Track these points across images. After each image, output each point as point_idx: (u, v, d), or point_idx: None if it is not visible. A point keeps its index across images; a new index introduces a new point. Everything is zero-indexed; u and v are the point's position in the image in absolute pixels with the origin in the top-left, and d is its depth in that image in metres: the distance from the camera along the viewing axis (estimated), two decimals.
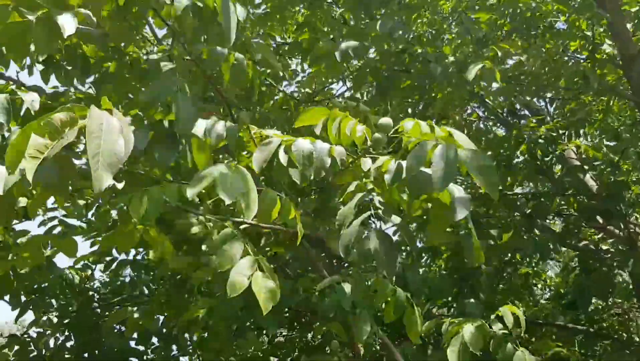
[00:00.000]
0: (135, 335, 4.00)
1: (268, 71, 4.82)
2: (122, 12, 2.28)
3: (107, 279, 4.57)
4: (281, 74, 4.83)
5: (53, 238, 2.93)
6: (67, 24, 1.82)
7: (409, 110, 5.57)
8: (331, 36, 4.96)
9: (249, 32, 5.17)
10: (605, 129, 4.81)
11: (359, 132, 2.25)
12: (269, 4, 5.34)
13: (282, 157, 2.18)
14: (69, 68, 2.51)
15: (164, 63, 2.29)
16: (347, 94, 6.14)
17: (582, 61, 4.29)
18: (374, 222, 2.26)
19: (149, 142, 2.06)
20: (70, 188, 2.59)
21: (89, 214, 3.76)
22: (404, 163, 2.06)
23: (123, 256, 4.13)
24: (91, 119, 1.48)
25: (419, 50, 4.32)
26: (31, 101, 2.07)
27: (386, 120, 2.40)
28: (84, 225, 3.80)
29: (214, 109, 2.98)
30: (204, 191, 2.28)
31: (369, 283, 2.63)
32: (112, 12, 2.24)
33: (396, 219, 2.27)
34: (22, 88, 2.83)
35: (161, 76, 2.25)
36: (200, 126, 2.20)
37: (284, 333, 4.64)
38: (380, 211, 2.16)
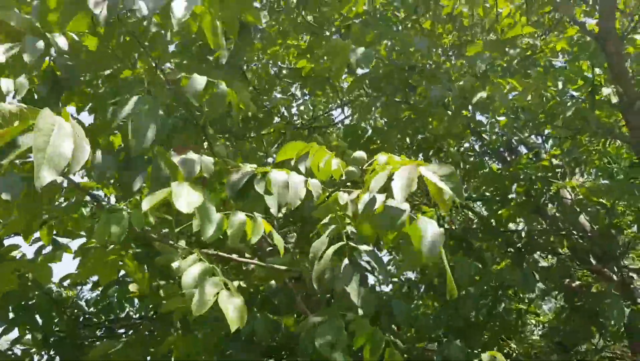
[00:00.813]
0: None
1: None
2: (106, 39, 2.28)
3: (95, 298, 4.53)
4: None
5: (25, 263, 2.90)
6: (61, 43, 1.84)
7: (407, 140, 5.59)
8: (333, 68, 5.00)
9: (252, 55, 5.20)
10: (602, 169, 4.79)
11: (334, 166, 2.28)
12: (273, 29, 5.38)
13: (258, 186, 2.19)
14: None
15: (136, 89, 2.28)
16: (347, 121, 6.20)
17: (581, 101, 4.29)
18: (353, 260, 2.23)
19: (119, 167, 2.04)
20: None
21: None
22: (379, 197, 2.07)
23: None
24: (42, 118, 1.47)
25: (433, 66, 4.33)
26: None
27: (359, 153, 2.42)
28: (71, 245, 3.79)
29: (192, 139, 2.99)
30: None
31: (348, 322, 2.60)
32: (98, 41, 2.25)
33: (367, 248, 2.25)
34: None
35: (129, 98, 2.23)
36: (175, 158, 2.21)
37: None
38: (352, 243, 2.14)
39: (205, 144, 2.94)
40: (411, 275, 5.77)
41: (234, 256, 2.63)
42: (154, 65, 2.41)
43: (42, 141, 1.43)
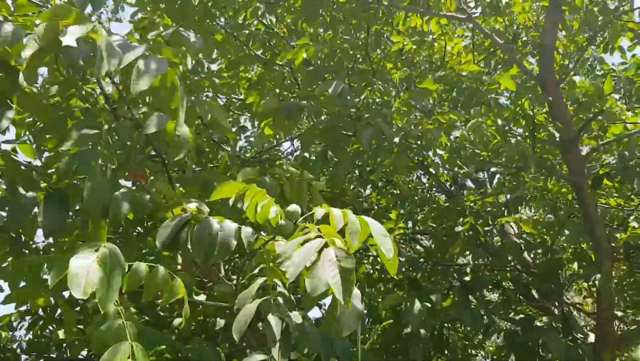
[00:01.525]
0: None
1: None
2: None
3: (32, 339, 4.34)
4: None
5: None
6: None
7: (356, 171, 5.63)
8: (280, 98, 5.02)
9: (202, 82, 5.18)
10: (545, 204, 4.92)
11: (272, 213, 2.22)
12: (225, 61, 5.37)
13: (184, 236, 2.13)
14: None
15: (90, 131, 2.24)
16: (296, 153, 6.20)
17: (522, 138, 4.40)
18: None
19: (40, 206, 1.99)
20: None
21: None
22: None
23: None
24: None
25: (367, 115, 4.38)
26: None
27: (294, 207, 2.37)
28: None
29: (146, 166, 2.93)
30: None
31: None
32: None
33: (297, 315, 2.21)
34: None
35: (83, 146, 2.19)
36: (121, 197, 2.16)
37: None
38: (280, 299, 2.11)
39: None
40: None
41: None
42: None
43: None
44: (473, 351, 5.45)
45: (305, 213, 2.27)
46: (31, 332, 4.05)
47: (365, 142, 3.69)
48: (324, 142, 4.59)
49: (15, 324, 3.96)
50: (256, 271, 2.24)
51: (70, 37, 1.75)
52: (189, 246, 2.06)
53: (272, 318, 2.01)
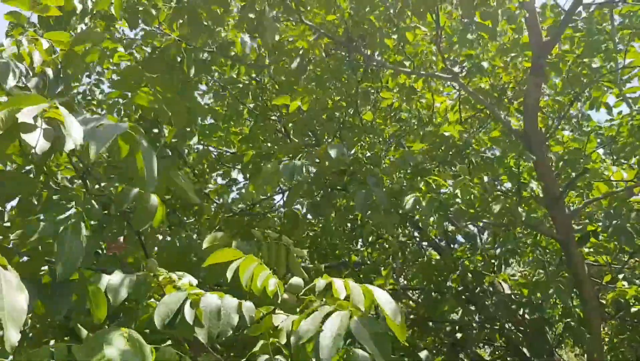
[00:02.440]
0: None
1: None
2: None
3: None
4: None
5: None
6: None
7: (348, 225, 5.65)
8: (272, 152, 5.07)
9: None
10: (533, 261, 4.93)
11: (271, 286, 2.20)
12: (217, 115, 5.47)
13: (188, 314, 2.11)
14: None
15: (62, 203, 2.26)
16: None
17: (509, 196, 4.44)
18: None
19: (38, 294, 1.98)
20: None
21: None
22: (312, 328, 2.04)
23: None
24: None
25: (359, 175, 4.44)
26: None
27: (296, 280, 2.36)
28: None
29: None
30: None
31: None
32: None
33: None
34: None
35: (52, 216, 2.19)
36: (99, 279, 2.16)
37: None
38: None
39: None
40: None
41: None
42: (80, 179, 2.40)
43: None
44: None
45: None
46: None
47: (360, 204, 3.77)
48: (310, 198, 4.64)
49: None
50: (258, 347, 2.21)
51: (26, 116, 1.77)
52: (192, 324, 2.04)
53: None
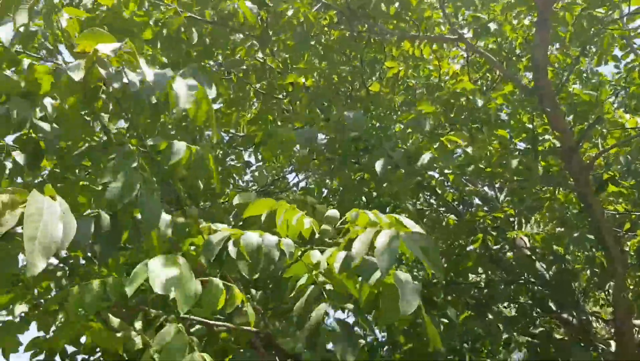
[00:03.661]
0: None
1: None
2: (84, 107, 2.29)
3: None
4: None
5: None
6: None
7: (363, 198, 5.65)
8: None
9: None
10: (553, 217, 4.94)
11: (306, 225, 2.26)
12: (224, 99, 5.45)
13: (232, 250, 2.16)
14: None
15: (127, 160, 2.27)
16: (302, 184, 6.24)
17: (525, 152, 4.46)
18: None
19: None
20: None
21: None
22: (352, 252, 2.07)
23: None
24: (30, 202, 1.47)
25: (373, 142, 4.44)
26: None
27: (333, 212, 2.44)
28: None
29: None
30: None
31: None
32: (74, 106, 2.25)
33: (349, 306, 2.23)
34: None
35: (124, 173, 2.21)
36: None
37: None
38: (333, 301, 2.12)
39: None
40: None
41: (206, 320, 2.56)
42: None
43: (32, 228, 1.42)
44: None
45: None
46: None
47: (381, 170, 3.77)
48: (326, 169, 4.64)
49: None
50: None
51: (106, 48, 1.79)
52: (236, 260, 2.07)
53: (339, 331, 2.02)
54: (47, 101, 2.25)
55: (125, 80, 2.07)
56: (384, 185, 4.69)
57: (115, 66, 2.07)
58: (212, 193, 4.90)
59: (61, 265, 2.94)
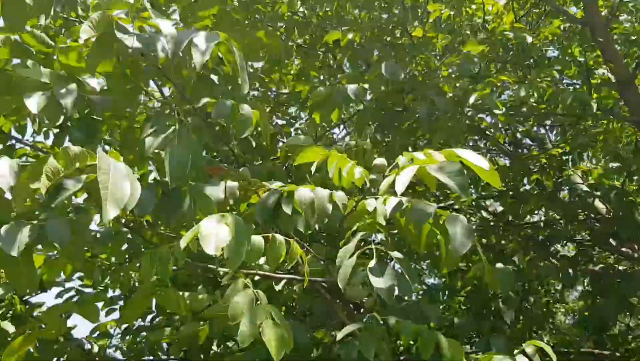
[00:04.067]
0: None
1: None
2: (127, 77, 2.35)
3: (125, 347, 4.50)
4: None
5: (73, 305, 2.93)
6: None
7: (410, 149, 5.62)
8: (327, 83, 5.06)
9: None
10: (608, 151, 4.82)
11: (357, 175, 2.29)
12: (266, 58, 5.45)
13: (286, 207, 2.22)
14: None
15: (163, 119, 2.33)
16: (347, 139, 6.24)
17: (577, 87, 4.34)
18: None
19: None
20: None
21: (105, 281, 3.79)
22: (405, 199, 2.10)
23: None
24: (101, 158, 1.57)
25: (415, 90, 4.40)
26: None
27: (380, 161, 2.45)
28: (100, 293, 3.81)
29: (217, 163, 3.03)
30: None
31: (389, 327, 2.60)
32: (117, 75, 2.32)
33: (398, 254, 2.26)
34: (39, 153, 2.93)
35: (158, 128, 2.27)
36: (203, 187, 2.24)
37: None
38: (382, 247, 2.16)
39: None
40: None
41: (272, 273, 2.65)
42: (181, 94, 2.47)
43: (104, 178, 1.53)
44: (554, 309, 5.39)
45: None
46: (125, 338, 4.23)
47: (424, 117, 3.73)
48: (377, 121, 4.63)
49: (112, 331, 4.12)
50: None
51: (122, 13, 1.83)
52: (292, 216, 2.13)
53: (374, 264, 2.06)
54: (93, 81, 2.30)
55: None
56: (433, 134, 4.67)
57: (137, 26, 2.08)
58: (264, 150, 4.97)
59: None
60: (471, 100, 3.87)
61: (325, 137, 6.25)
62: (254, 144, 4.17)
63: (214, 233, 1.70)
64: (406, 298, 2.33)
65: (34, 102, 1.95)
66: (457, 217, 2.00)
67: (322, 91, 4.05)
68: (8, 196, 1.76)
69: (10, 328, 3.42)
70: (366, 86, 3.92)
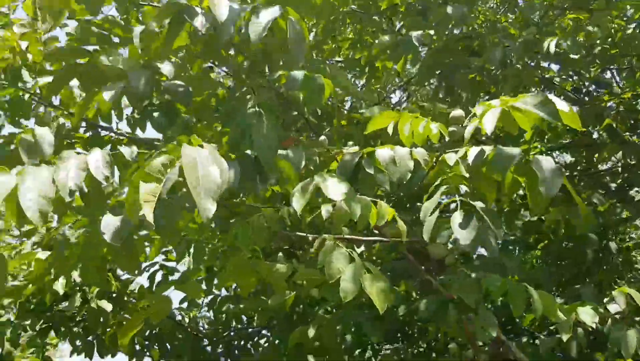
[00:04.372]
0: None
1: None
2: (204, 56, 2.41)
3: (211, 317, 4.68)
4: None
5: (177, 283, 3.05)
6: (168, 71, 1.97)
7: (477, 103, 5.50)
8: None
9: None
10: None
11: (433, 130, 2.28)
12: (320, 28, 5.44)
13: (368, 167, 2.24)
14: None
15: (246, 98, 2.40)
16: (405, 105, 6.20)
17: None
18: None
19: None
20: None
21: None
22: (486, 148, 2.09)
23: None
24: (185, 155, 1.61)
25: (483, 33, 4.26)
26: (130, 152, 2.25)
27: (458, 112, 2.43)
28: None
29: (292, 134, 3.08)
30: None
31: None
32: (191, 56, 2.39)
33: (481, 204, 2.25)
34: (123, 138, 3.05)
35: (241, 110, 2.34)
36: (283, 155, 2.30)
37: (388, 347, 4.60)
38: (465, 199, 2.15)
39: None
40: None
41: (357, 237, 2.69)
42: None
43: (193, 178, 1.56)
44: (634, 256, 5.24)
45: None
46: (212, 309, 4.40)
47: (496, 62, 3.63)
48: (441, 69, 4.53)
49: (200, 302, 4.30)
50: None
51: None
52: (374, 175, 2.16)
53: (459, 216, 2.06)
54: (165, 66, 2.37)
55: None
56: (503, 84, 4.56)
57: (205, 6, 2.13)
58: (330, 117, 4.99)
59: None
60: (551, 46, 3.70)
61: (384, 102, 6.24)
62: (319, 112, 4.20)
63: (334, 184, 1.76)
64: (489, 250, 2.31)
65: (110, 93, 2.03)
66: (544, 158, 1.98)
67: (385, 39, 3.99)
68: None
69: (108, 306, 3.63)
70: (431, 32, 3.82)
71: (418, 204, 3.49)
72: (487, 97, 5.14)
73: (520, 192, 4.83)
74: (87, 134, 3.20)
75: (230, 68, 2.76)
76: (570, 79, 4.94)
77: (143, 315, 2.40)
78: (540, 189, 1.93)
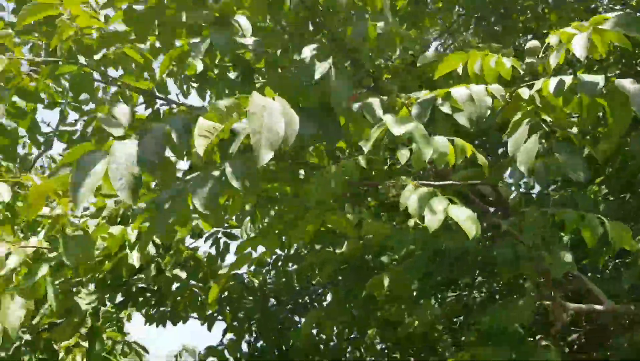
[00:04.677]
0: None
1: None
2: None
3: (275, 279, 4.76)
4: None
5: (256, 239, 3.06)
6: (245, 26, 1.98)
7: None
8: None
9: None
10: None
11: (507, 65, 2.24)
12: None
13: (445, 107, 2.22)
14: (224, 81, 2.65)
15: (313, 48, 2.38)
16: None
17: None
18: None
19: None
20: None
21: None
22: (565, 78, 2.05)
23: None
24: (253, 102, 1.62)
25: None
26: None
27: (533, 43, 2.38)
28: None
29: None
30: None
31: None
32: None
33: (575, 131, 2.21)
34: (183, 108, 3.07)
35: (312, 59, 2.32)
36: (355, 105, 2.29)
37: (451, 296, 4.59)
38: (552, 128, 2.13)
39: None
40: None
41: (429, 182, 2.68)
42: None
43: (257, 124, 1.57)
44: None
45: None
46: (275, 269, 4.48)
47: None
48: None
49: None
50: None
51: None
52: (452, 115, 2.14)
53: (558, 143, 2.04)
54: (243, 21, 2.36)
55: None
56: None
57: None
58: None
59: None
60: None
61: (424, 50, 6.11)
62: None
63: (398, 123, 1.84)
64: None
65: (199, 47, 2.04)
66: (626, 80, 1.95)
67: None
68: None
69: (182, 274, 3.73)
70: None
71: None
72: (531, 37, 5.03)
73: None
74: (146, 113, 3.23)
75: (291, 25, 2.73)
76: (618, 7, 4.78)
77: (230, 269, 2.45)
78: (627, 110, 1.90)
